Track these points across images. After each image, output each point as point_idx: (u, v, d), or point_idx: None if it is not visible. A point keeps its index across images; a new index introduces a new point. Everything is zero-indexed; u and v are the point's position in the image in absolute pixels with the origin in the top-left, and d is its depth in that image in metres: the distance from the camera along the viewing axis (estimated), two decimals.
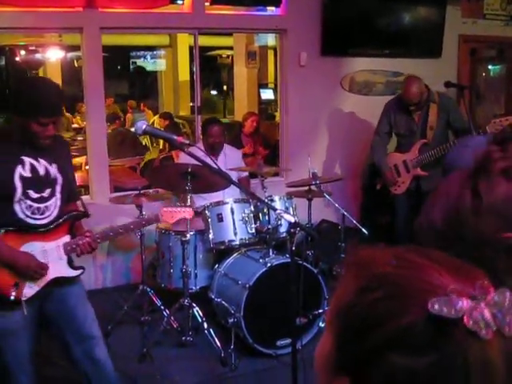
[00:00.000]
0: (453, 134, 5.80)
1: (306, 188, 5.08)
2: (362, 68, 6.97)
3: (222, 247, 4.86)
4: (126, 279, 6.10)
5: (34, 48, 10.22)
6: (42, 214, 3.05)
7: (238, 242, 4.80)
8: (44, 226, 3.07)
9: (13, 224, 2.97)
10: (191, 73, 11.51)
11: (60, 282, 3.11)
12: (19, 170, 2.95)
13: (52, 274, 3.05)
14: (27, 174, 2.98)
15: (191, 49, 6.58)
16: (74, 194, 3.36)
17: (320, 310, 4.63)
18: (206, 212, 4.81)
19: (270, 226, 4.66)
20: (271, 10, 6.58)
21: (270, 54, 12.65)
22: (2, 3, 5.24)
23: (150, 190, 5.51)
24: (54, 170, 3.10)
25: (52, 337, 3.36)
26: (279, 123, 7.12)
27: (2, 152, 2.96)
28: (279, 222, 4.75)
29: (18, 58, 10.59)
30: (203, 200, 5.19)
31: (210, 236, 4.79)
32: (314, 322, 4.63)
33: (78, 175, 8.06)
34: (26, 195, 2.96)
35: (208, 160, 3.12)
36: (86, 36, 5.70)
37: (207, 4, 6.13)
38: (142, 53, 16.60)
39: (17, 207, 2.96)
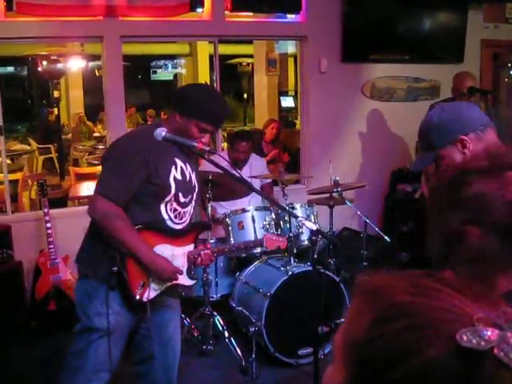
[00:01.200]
0: None
1: (328, 195, 5.04)
2: (383, 74, 6.91)
3: (243, 255, 4.83)
4: None
5: (55, 58, 10.27)
6: (181, 218, 3.07)
7: (259, 250, 4.77)
8: (178, 231, 3.07)
9: (154, 222, 2.96)
10: (211, 81, 11.53)
11: (167, 290, 3.10)
12: (173, 171, 2.96)
13: (179, 279, 3.04)
14: (179, 176, 2.99)
15: (211, 57, 6.58)
16: (200, 205, 3.43)
17: (342, 319, 4.58)
18: (227, 220, 4.79)
19: (291, 234, 4.62)
20: (291, 16, 6.56)
21: (290, 61, 12.66)
22: (23, 13, 5.28)
23: None
24: (194, 177, 3.13)
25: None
26: (300, 130, 7.08)
27: (160, 151, 2.91)
28: (301, 230, 4.72)
29: (40, 68, 10.67)
30: (223, 208, 5.18)
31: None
32: (335, 331, 4.56)
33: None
34: (175, 197, 2.97)
35: (229, 167, 3.11)
36: (106, 44, 5.72)
37: (227, 12, 6.13)
38: (162, 62, 16.71)
39: (163, 207, 2.96)
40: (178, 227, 3.06)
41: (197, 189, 3.16)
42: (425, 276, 0.78)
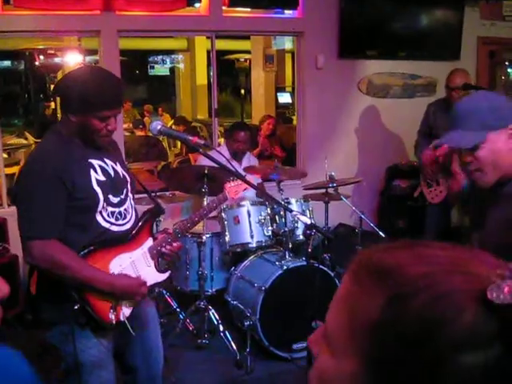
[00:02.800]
0: None
1: (323, 191, 5.06)
2: (380, 71, 6.92)
3: (239, 250, 4.85)
4: None
5: (52, 52, 10.29)
6: (125, 217, 2.80)
7: (254, 245, 4.79)
8: (127, 232, 2.81)
9: (98, 237, 2.68)
10: (209, 76, 11.54)
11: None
12: (94, 175, 2.67)
13: (147, 284, 2.80)
14: (101, 177, 2.70)
15: (209, 53, 6.58)
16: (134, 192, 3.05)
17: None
18: (223, 214, 4.80)
19: (286, 229, 4.64)
20: (288, 12, 6.57)
21: (288, 57, 12.67)
22: (20, 7, 5.28)
23: (167, 193, 5.52)
24: (119, 168, 2.84)
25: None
26: (296, 126, 7.09)
27: (70, 160, 2.62)
28: (296, 225, 4.74)
29: (37, 62, 10.67)
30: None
31: (227, 238, 4.78)
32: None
33: None
34: (107, 201, 2.69)
35: (224, 162, 3.08)
36: (103, 39, 5.73)
37: (224, 7, 6.13)
38: (159, 57, 16.70)
39: (99, 218, 2.68)
40: (127, 227, 2.81)
41: (128, 178, 2.88)
42: (417, 244, 0.78)
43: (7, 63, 16.25)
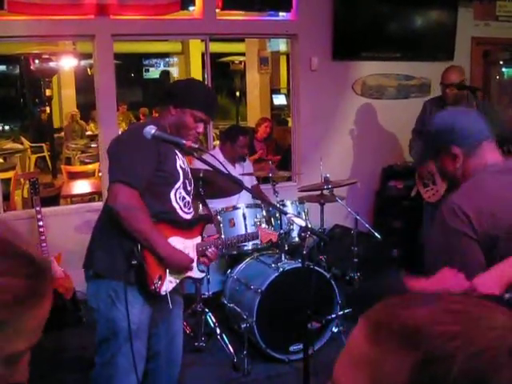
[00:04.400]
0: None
1: (319, 192, 5.06)
2: (374, 72, 6.94)
3: (235, 252, 4.86)
4: None
5: (47, 56, 10.26)
6: (189, 208, 3.09)
7: (250, 247, 4.79)
8: (188, 222, 3.08)
9: (166, 213, 2.95)
10: (203, 79, 11.54)
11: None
12: (178, 159, 3.00)
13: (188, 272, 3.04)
14: (183, 165, 3.04)
15: (203, 55, 6.58)
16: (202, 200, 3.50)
17: (333, 315, 4.61)
18: (218, 217, 4.80)
19: (282, 231, 4.64)
20: (282, 15, 6.58)
21: (283, 59, 12.68)
22: (15, 12, 5.28)
23: None
24: (189, 171, 3.16)
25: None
26: (291, 128, 7.10)
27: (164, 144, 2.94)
28: (291, 227, 4.74)
29: (32, 67, 10.66)
30: (215, 205, 5.19)
31: None
32: (326, 327, 4.60)
33: (91, 182, 8.21)
34: (183, 185, 3.01)
35: (219, 165, 3.11)
36: (97, 43, 5.73)
37: (218, 10, 6.14)
38: (154, 60, 16.70)
39: (173, 196, 2.97)
40: (188, 217, 3.07)
41: (193, 182, 3.21)
42: (436, 298, 0.74)
43: (2, 68, 16.25)
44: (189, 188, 3.08)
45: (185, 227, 3.05)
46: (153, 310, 3.01)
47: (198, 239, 3.14)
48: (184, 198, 3.02)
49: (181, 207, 3.01)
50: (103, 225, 2.97)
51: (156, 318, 3.06)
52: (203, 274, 3.22)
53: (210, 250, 3.14)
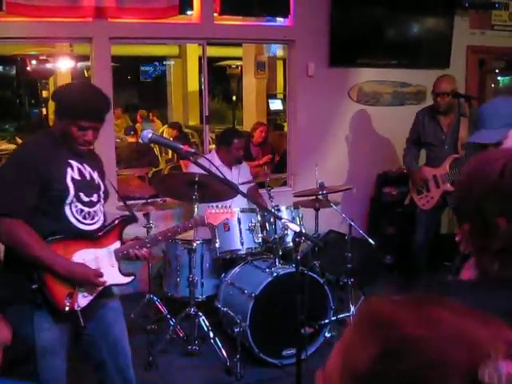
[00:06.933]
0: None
1: (314, 198, 5.08)
2: (370, 78, 6.97)
3: (229, 256, 4.87)
4: (132, 288, 6.05)
5: (44, 58, 10.29)
6: (93, 218, 3.00)
7: (244, 252, 4.81)
8: (94, 232, 3.01)
9: (64, 230, 2.89)
10: (200, 83, 11.54)
11: (101, 293, 3.02)
12: (70, 172, 2.91)
13: (106, 281, 2.97)
14: (76, 176, 2.94)
15: (200, 59, 6.60)
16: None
17: (326, 320, 4.62)
18: None
19: (276, 236, 4.66)
20: (280, 20, 6.61)
21: (279, 64, 12.68)
22: (13, 13, 5.29)
23: (158, 199, 5.52)
24: (96, 176, 3.09)
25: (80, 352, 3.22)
26: (287, 133, 7.12)
27: (52, 155, 2.89)
28: (286, 232, 4.76)
29: (28, 68, 10.66)
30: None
31: (217, 245, 4.79)
32: (319, 332, 4.62)
33: None
34: (77, 198, 2.91)
35: (214, 170, 3.12)
36: (95, 46, 5.74)
37: (216, 14, 6.17)
38: (151, 63, 16.70)
39: (68, 211, 2.89)
40: (92, 227, 3.01)
41: (102, 187, 3.12)
42: (429, 301, 0.74)
43: None
44: (86, 199, 2.98)
45: (93, 238, 3.00)
46: (67, 327, 2.96)
47: (116, 244, 3.08)
48: (82, 211, 2.95)
49: (79, 220, 2.94)
50: (4, 253, 2.95)
51: (89, 328, 3.01)
52: (129, 279, 3.13)
53: (132, 252, 3.06)
